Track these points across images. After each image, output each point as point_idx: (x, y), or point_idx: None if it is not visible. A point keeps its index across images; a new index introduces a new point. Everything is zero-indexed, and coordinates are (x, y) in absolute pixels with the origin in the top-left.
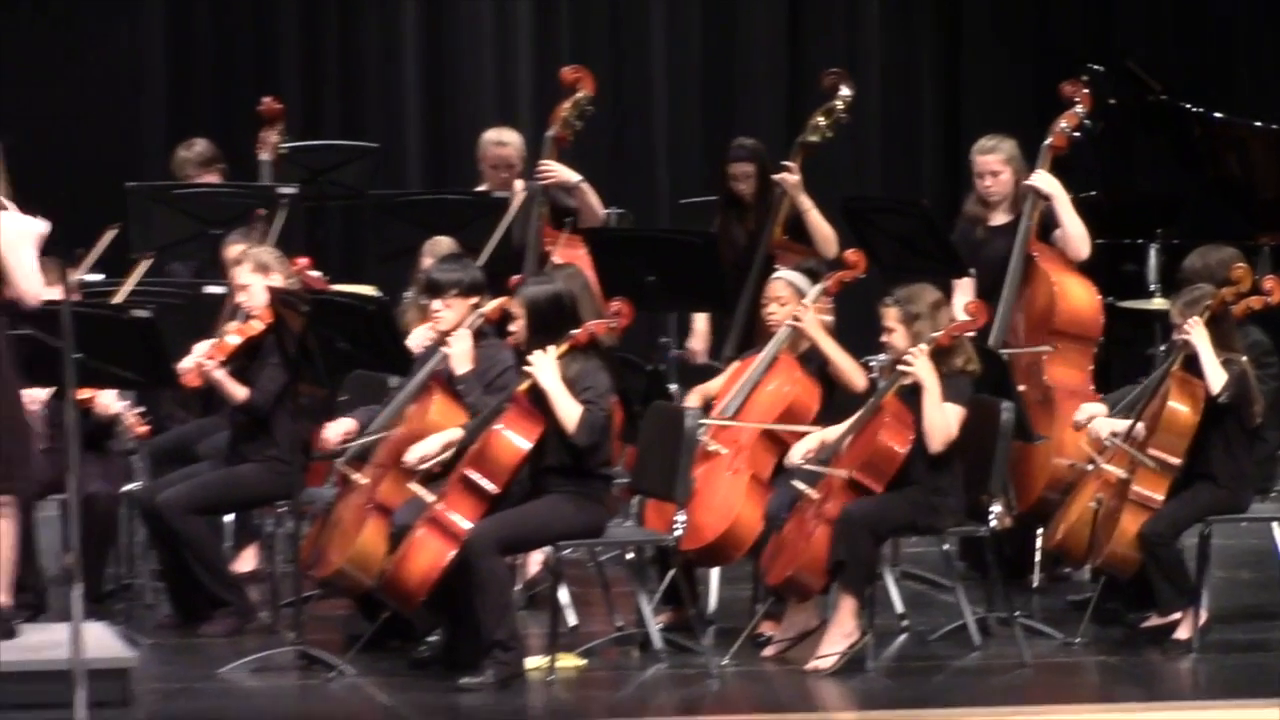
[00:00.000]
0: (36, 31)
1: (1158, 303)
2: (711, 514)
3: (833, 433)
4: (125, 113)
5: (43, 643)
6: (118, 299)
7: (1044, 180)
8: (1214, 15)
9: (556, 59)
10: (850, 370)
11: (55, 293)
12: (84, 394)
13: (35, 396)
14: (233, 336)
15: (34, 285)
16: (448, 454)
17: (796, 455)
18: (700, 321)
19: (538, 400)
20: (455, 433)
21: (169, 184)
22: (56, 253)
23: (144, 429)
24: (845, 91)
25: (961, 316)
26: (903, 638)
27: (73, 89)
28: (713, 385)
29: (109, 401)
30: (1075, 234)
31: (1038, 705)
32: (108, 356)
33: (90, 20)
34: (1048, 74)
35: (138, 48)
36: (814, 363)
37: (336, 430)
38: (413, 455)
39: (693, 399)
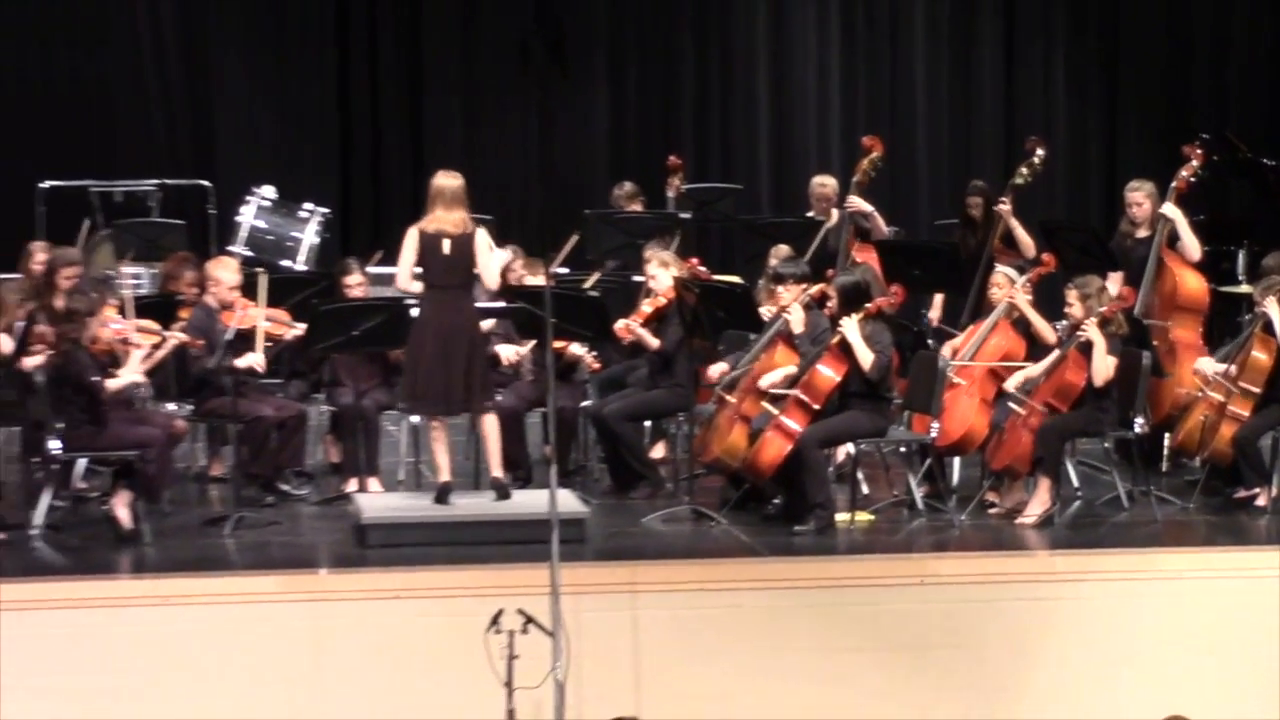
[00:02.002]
0: (527, 126)
1: (1244, 288)
2: (954, 423)
3: (1033, 371)
4: (583, 166)
5: (530, 502)
6: (586, 285)
7: (1171, 209)
8: None
9: (856, 126)
10: (1045, 330)
11: (541, 280)
12: (558, 345)
13: (527, 346)
14: (647, 307)
15: (495, 279)
16: (786, 383)
17: (1010, 385)
18: (937, 299)
19: (845, 349)
20: (791, 369)
21: (610, 211)
22: (539, 254)
23: (596, 366)
24: (1041, 152)
25: (1117, 298)
26: (1077, 503)
27: (551, 153)
28: (955, 341)
29: (576, 349)
30: (1191, 244)
31: (1166, 547)
32: (573, 321)
33: (559, 112)
34: (1175, 138)
35: (591, 127)
36: (1021, 326)
37: (715, 368)
38: (764, 382)
39: (945, 350)
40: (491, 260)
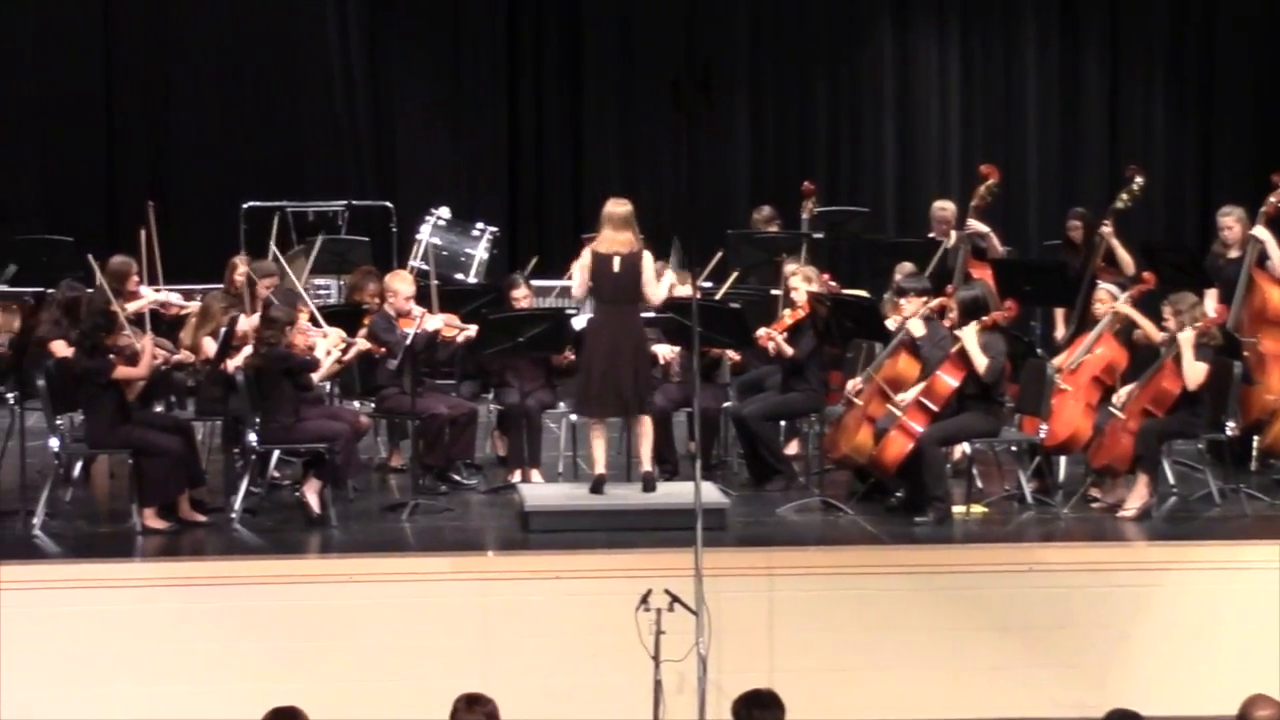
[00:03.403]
0: (676, 155)
1: None
2: (1061, 425)
3: (1136, 388)
4: (725, 191)
5: (675, 493)
6: (718, 296)
7: (1260, 231)
8: None
9: (974, 155)
10: (1152, 331)
11: (687, 290)
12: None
13: (672, 350)
14: (788, 318)
15: (659, 298)
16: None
17: (1116, 398)
18: (1059, 320)
19: (963, 357)
20: (916, 391)
21: (749, 231)
22: (688, 267)
23: (736, 358)
24: (1140, 179)
25: (1211, 313)
26: (1173, 499)
27: (697, 180)
28: (1060, 359)
29: (731, 353)
30: (1279, 262)
31: (1253, 540)
32: (716, 329)
33: (705, 143)
34: (1264, 167)
35: (733, 156)
36: (1123, 337)
37: (852, 384)
38: (894, 397)
39: (1054, 362)
40: (658, 284)
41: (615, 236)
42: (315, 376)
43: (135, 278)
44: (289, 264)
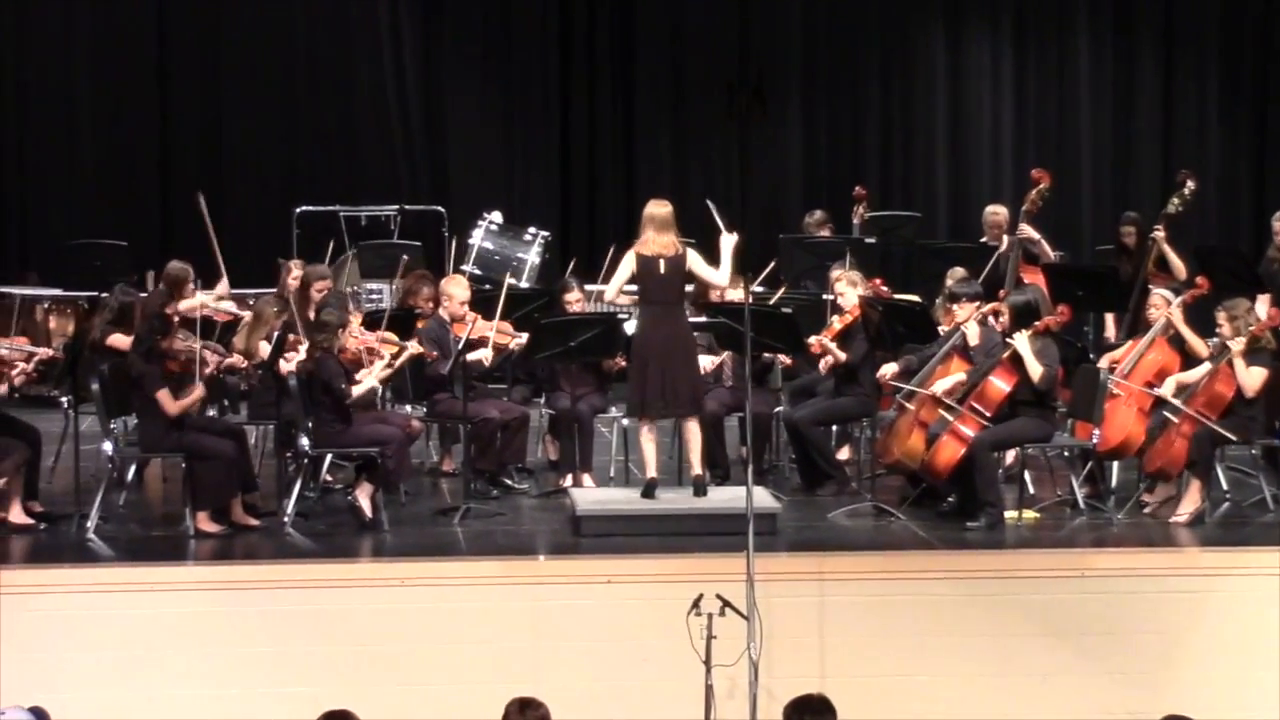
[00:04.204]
0: (729, 160)
1: None
2: (1113, 430)
3: (1186, 377)
4: (778, 195)
5: (727, 498)
6: (773, 301)
7: None
8: None
9: (1025, 160)
10: (1198, 345)
11: (739, 294)
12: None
13: (713, 360)
14: (837, 323)
15: (725, 277)
16: (959, 389)
17: (1165, 391)
18: (1110, 324)
19: (1016, 362)
20: (961, 376)
21: (801, 236)
22: (738, 274)
23: (788, 362)
24: (1191, 185)
25: (1264, 318)
26: (1226, 504)
27: (750, 185)
28: (1115, 355)
29: (783, 357)
30: None
31: None
32: (768, 334)
33: (757, 149)
34: None
35: (786, 161)
36: (1176, 342)
37: (887, 368)
38: (937, 388)
39: (1103, 363)
40: (713, 270)
41: (658, 238)
42: (364, 386)
43: (192, 285)
44: (336, 271)
